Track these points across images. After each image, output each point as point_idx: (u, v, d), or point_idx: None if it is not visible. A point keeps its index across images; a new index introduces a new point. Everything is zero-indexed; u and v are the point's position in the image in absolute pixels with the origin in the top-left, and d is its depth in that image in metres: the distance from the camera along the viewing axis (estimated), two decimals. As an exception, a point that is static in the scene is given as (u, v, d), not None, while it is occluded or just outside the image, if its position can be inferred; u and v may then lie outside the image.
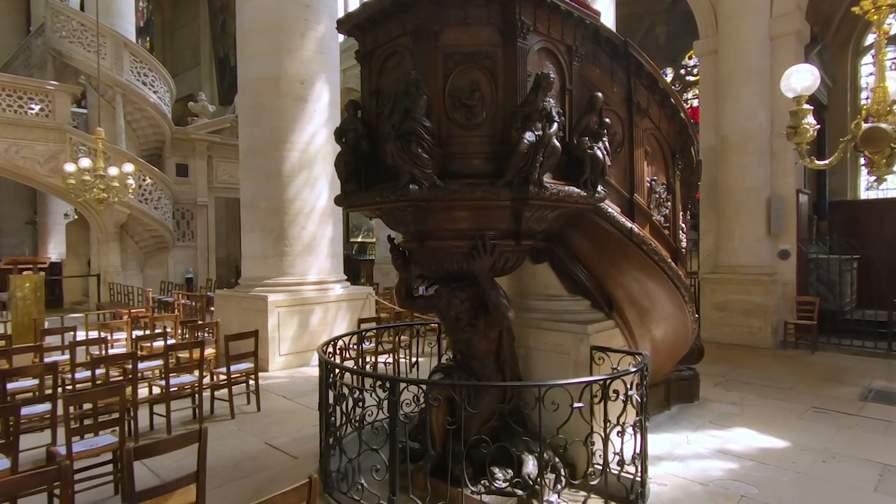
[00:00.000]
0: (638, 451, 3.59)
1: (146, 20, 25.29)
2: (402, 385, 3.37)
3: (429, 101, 3.19)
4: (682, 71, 15.44)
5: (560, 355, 4.10)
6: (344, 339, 4.65)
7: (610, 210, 3.66)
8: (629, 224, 3.70)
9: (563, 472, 3.56)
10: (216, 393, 5.44)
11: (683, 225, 4.33)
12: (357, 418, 3.55)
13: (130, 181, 10.21)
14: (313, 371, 6.13)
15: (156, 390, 5.03)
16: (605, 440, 3.43)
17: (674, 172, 4.09)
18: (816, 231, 10.75)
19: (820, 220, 11.03)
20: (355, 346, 5.31)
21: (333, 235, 8.08)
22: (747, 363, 7.39)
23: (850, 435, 4.65)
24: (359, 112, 3.64)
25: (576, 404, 3.23)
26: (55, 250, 17.49)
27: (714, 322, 8.91)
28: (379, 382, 3.37)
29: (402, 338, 6.66)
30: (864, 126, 3.06)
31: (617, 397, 3.32)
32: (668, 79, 14.67)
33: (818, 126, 3.30)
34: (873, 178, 3.22)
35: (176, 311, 10.02)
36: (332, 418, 3.68)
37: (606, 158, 3.48)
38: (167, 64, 17.95)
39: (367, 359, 5.97)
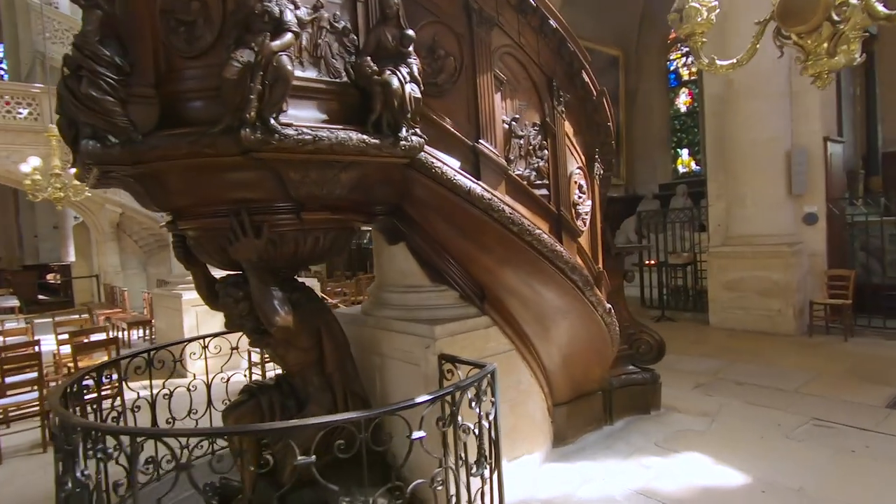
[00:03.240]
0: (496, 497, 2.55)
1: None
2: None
3: (133, 21, 2.24)
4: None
5: (410, 366, 3.07)
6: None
7: (437, 164, 2.57)
8: (468, 182, 2.59)
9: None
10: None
11: (583, 182, 3.13)
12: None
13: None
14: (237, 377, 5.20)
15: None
16: (458, 483, 2.45)
17: (553, 108, 2.90)
18: (865, 188, 8.89)
19: (870, 176, 9.14)
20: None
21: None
22: (754, 355, 5.97)
23: (851, 464, 3.33)
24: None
25: (415, 434, 2.19)
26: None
27: (724, 305, 7.43)
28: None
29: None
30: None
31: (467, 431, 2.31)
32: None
33: (716, 5, 2.06)
34: (809, 77, 1.95)
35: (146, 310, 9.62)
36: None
37: (414, 90, 2.39)
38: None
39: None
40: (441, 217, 2.86)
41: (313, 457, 1.97)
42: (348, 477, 2.47)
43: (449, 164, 2.61)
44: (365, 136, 2.32)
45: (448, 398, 2.26)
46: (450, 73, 2.67)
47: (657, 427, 4.01)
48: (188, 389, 3.67)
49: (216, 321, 6.55)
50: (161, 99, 2.28)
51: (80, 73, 2.13)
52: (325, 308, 3.04)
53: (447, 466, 2.40)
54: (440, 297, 3.22)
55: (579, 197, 3.08)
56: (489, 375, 2.54)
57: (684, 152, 13.96)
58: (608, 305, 3.18)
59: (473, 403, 2.37)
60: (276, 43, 2.05)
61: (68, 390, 2.76)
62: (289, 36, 2.10)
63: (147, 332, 8.95)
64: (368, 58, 2.35)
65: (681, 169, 13.99)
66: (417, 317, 3.17)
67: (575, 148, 3.07)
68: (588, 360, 3.59)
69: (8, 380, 4.50)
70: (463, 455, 2.55)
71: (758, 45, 2.01)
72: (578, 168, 3.10)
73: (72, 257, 17.65)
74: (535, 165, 2.83)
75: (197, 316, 6.40)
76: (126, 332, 8.62)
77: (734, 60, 2.09)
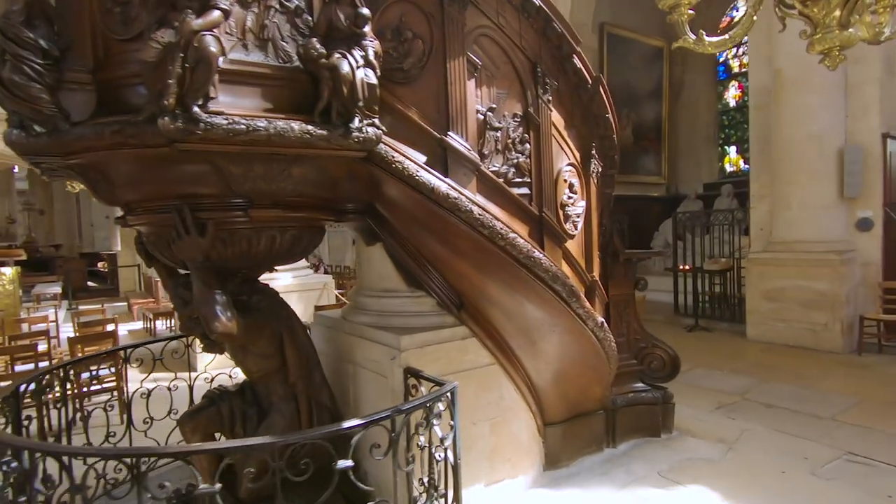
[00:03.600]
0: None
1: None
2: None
3: (66, 1, 2.11)
4: None
5: (380, 378, 2.85)
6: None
7: (398, 158, 2.31)
8: (432, 179, 2.32)
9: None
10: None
11: (575, 180, 2.80)
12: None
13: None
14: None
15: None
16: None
17: (537, 97, 2.58)
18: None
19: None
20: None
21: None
22: (791, 374, 5.41)
23: (886, 512, 2.87)
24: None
25: (340, 463, 1.98)
26: (124, 241, 18.64)
27: (763, 316, 6.82)
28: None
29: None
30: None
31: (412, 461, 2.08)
32: None
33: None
34: (817, 55, 1.57)
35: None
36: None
37: (368, 75, 2.16)
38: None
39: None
40: (412, 217, 2.61)
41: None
42: (313, 493, 2.25)
43: (413, 159, 2.35)
44: (310, 127, 2.10)
45: (387, 423, 2.01)
46: (418, 57, 2.40)
47: (665, 453, 3.62)
48: (168, 389, 3.55)
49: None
50: (99, 85, 2.13)
51: (4, 58, 2.01)
52: (289, 313, 2.84)
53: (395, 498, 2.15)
54: (416, 304, 2.98)
55: (569, 197, 2.75)
56: (448, 395, 2.28)
57: (732, 150, 13.09)
58: (600, 319, 2.83)
59: (422, 428, 2.11)
60: (198, 21, 1.85)
61: (22, 389, 2.68)
62: (215, 14, 1.90)
63: (173, 322, 9.12)
64: (314, 39, 2.12)
65: (728, 168, 13.14)
66: (390, 324, 2.94)
67: (566, 142, 2.75)
68: (583, 377, 3.25)
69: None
70: (425, 480, 2.31)
71: (755, 17, 1.65)
72: (569, 165, 2.77)
73: (119, 247, 18.42)
74: (515, 161, 2.53)
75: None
76: (152, 322, 8.81)
77: (726, 37, 1.72)
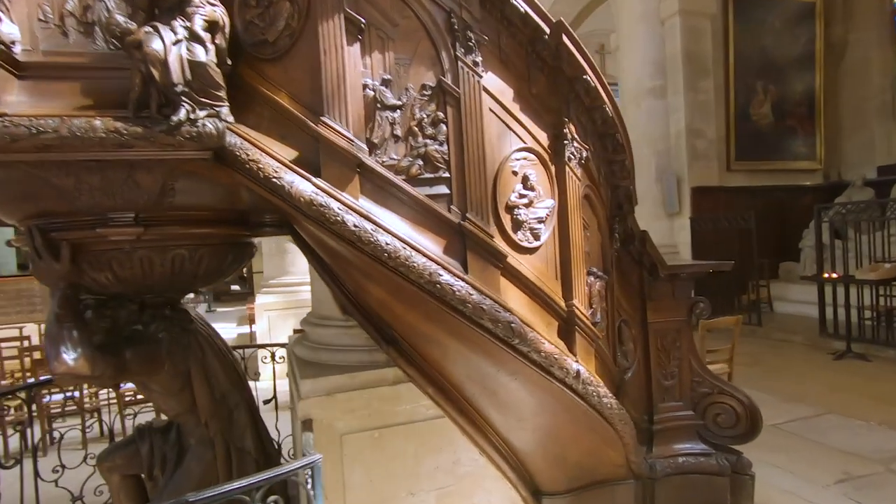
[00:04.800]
0: None
1: None
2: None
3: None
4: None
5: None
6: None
7: (254, 157, 1.78)
8: (296, 181, 1.74)
9: None
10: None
11: (533, 171, 1.97)
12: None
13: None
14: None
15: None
16: None
17: (455, 59, 1.83)
18: None
19: None
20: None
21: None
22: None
23: None
24: None
25: None
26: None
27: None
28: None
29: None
30: None
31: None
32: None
33: None
34: None
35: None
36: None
37: (194, 52, 1.69)
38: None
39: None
40: (303, 229, 2.06)
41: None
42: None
43: (277, 156, 1.79)
44: (119, 125, 1.65)
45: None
46: (286, 23, 1.84)
47: (725, 550, 2.56)
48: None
49: (287, 327, 6.53)
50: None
51: None
52: (204, 344, 2.44)
53: None
54: (349, 336, 2.40)
55: (521, 196, 1.95)
56: (310, 471, 1.68)
57: (920, 122, 10.22)
58: (574, 366, 1.97)
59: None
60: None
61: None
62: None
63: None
64: (119, 15, 1.68)
65: (914, 145, 10.28)
66: (319, 359, 2.42)
67: (515, 119, 1.95)
68: (583, 438, 2.38)
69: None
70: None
71: None
72: (525, 150, 1.97)
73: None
74: (422, 150, 1.83)
75: (269, 321, 6.43)
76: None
77: None
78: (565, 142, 2.06)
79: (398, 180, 1.82)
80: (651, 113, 9.24)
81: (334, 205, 1.73)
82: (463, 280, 1.80)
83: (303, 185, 1.74)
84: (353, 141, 1.79)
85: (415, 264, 1.74)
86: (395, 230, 1.78)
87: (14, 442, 3.10)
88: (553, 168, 2.07)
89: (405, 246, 1.75)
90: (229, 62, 1.81)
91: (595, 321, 2.27)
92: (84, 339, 2.01)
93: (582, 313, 2.10)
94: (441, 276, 1.76)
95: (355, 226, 1.72)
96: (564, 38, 1.93)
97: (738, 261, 8.62)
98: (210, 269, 2.34)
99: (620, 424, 2.27)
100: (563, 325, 2.08)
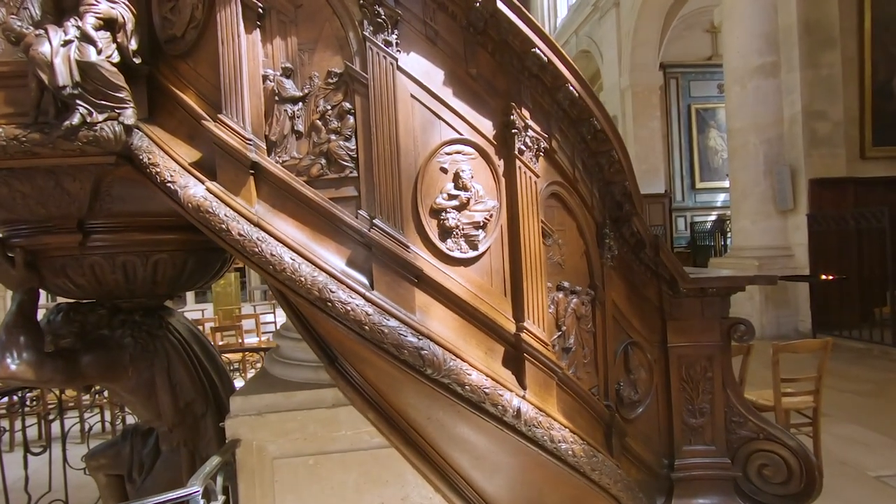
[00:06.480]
0: None
1: None
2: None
3: None
4: None
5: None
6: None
7: (158, 160, 1.68)
8: (189, 184, 1.61)
9: None
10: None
11: (468, 167, 1.63)
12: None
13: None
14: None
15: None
16: None
17: (363, 39, 1.55)
18: None
19: None
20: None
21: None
22: None
23: None
24: None
25: None
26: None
27: None
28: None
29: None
30: None
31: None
32: None
33: None
34: None
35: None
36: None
37: (85, 53, 1.63)
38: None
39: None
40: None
41: None
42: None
43: (179, 159, 1.67)
44: (18, 131, 1.63)
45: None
46: (191, 14, 1.70)
47: None
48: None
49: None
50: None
51: None
52: (170, 352, 2.42)
53: None
54: (301, 350, 2.23)
55: (450, 197, 1.60)
56: (190, 506, 1.52)
57: None
58: (515, 403, 1.58)
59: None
60: None
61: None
62: None
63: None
64: (14, 20, 1.64)
65: None
66: (273, 373, 2.28)
67: (446, 106, 1.62)
68: (560, 483, 1.97)
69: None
70: None
71: None
72: (459, 143, 1.63)
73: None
74: (325, 147, 1.57)
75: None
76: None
77: None
78: (514, 130, 1.69)
79: (297, 182, 1.60)
80: (759, 94, 8.04)
81: (222, 211, 1.56)
82: (363, 297, 1.54)
83: (194, 190, 1.60)
84: (248, 140, 1.61)
85: (301, 278, 1.51)
86: (290, 239, 1.56)
87: (55, 428, 3.34)
88: (500, 163, 1.72)
89: (294, 257, 1.53)
90: (137, 61, 1.72)
91: (567, 346, 1.87)
92: (31, 344, 2.04)
93: (536, 338, 1.72)
94: (334, 292, 1.51)
95: (240, 234, 1.54)
96: (500, 4, 1.58)
97: (868, 267, 7.25)
98: (168, 275, 2.31)
99: (597, 475, 1.84)
100: (510, 351, 1.72)
